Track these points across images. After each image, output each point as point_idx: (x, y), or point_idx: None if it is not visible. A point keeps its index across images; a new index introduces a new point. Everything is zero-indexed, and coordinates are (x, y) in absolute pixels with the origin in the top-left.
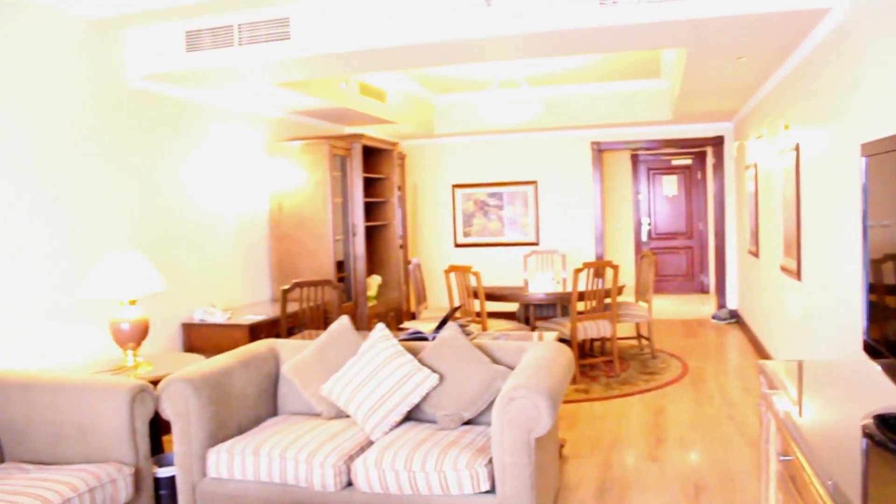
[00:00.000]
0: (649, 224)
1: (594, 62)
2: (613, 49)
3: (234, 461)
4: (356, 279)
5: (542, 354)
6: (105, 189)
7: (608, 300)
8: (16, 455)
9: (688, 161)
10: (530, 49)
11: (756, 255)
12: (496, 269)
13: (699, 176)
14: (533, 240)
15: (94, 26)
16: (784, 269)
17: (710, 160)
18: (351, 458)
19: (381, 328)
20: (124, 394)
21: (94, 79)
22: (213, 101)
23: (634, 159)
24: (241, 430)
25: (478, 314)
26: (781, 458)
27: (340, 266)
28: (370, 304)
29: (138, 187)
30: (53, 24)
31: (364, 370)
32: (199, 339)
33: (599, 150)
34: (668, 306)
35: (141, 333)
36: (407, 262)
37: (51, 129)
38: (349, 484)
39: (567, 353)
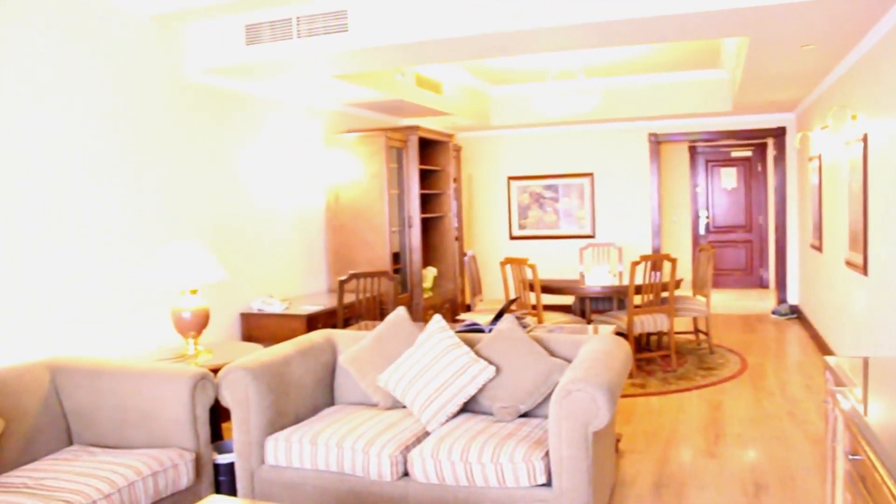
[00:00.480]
0: (707, 217)
1: (653, 52)
2: (673, 39)
3: (291, 449)
4: (412, 271)
5: (599, 348)
6: (167, 181)
7: (665, 294)
8: (83, 438)
9: (747, 153)
10: (588, 39)
11: (819, 249)
12: (551, 262)
13: (759, 168)
14: (589, 232)
15: (158, 22)
16: (849, 263)
17: (770, 152)
18: (407, 449)
19: (437, 319)
20: (186, 381)
21: (157, 73)
22: (270, 93)
23: (692, 151)
24: (299, 419)
25: (533, 307)
26: (850, 457)
27: (396, 258)
28: (425, 295)
29: (199, 179)
30: (120, 20)
31: (421, 361)
32: (256, 328)
33: (657, 141)
34: (727, 301)
35: (202, 322)
36: (462, 255)
37: (115, 124)
38: (405, 474)
39: (625, 347)
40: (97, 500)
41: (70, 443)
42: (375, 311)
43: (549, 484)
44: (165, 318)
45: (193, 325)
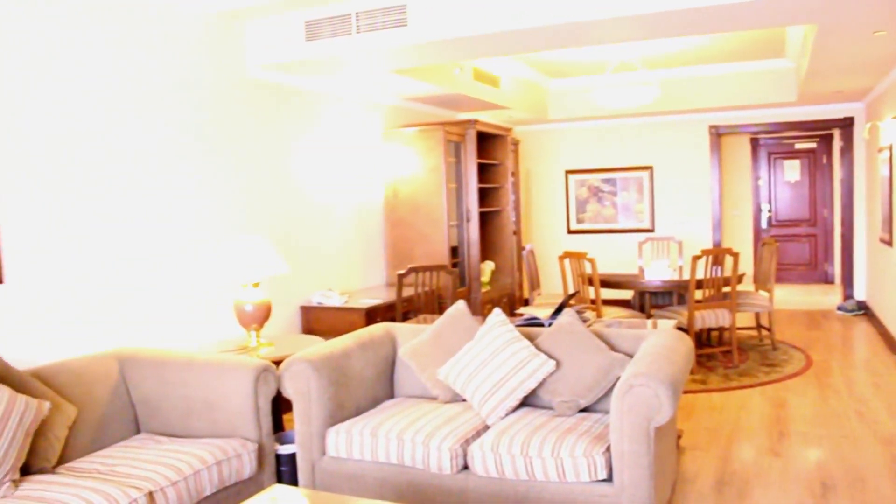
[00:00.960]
0: (769, 211)
1: (714, 42)
2: (736, 28)
3: (352, 441)
4: (470, 265)
5: (661, 342)
6: (230, 176)
7: (727, 289)
8: (150, 427)
9: (812, 144)
10: (648, 30)
11: (889, 243)
12: (610, 256)
13: (824, 160)
14: (648, 226)
15: (220, 18)
16: None
17: (837, 143)
18: (467, 442)
19: (497, 313)
20: (249, 372)
21: (219, 69)
22: (329, 88)
23: (754, 143)
24: (359, 412)
25: (592, 301)
26: None
27: (454, 252)
28: (483, 289)
29: (260, 174)
30: (183, 16)
31: (480, 355)
32: (316, 321)
33: (718, 133)
34: (790, 296)
35: (263, 315)
36: (520, 249)
37: (180, 119)
38: (465, 467)
39: (687, 342)
40: (165, 487)
41: (137, 431)
42: (434, 304)
43: (609, 479)
44: (228, 310)
45: (255, 317)
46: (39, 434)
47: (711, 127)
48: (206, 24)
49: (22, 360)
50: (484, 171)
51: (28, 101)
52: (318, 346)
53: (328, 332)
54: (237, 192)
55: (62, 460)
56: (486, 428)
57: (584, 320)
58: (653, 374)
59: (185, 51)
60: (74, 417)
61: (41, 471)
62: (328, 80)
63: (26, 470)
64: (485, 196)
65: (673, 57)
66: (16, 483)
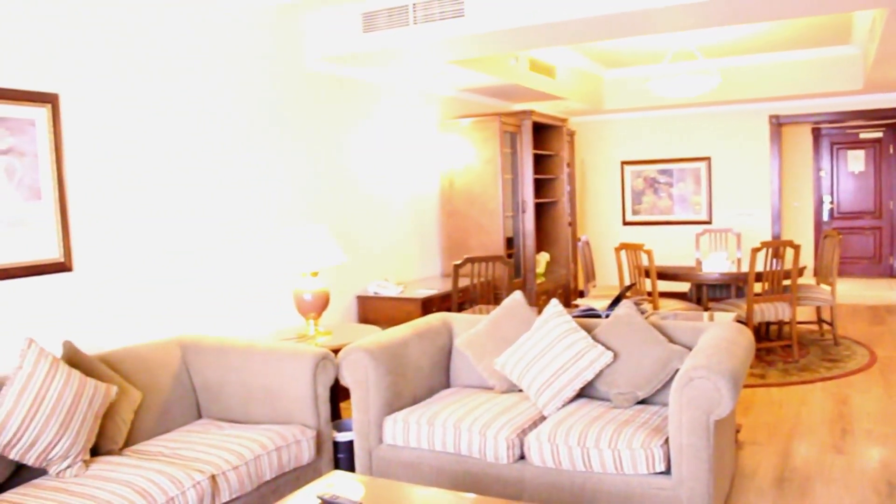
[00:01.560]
0: (831, 202)
1: (775, 29)
2: (804, 14)
3: (409, 430)
4: (525, 256)
5: (721, 335)
6: (288, 167)
7: (787, 282)
8: (211, 412)
9: (878, 134)
10: (709, 18)
11: None
12: (665, 248)
13: (891, 150)
14: (705, 218)
15: (280, 11)
16: None
17: None
18: (524, 432)
19: (555, 304)
20: (308, 360)
21: (277, 62)
22: (386, 80)
23: (816, 133)
24: (416, 401)
25: (649, 293)
26: None
27: (509, 242)
28: (538, 280)
29: (317, 165)
30: (244, 9)
31: (538, 345)
32: (372, 311)
33: (778, 123)
34: (852, 290)
35: (322, 304)
36: (575, 240)
37: (239, 111)
38: (521, 457)
39: (747, 335)
40: (227, 471)
41: (199, 416)
42: (489, 295)
43: (667, 472)
44: (287, 299)
45: (314, 306)
46: (107, 417)
47: (772, 117)
48: (266, 17)
49: (90, 346)
50: (539, 162)
51: (93, 93)
52: (376, 336)
53: (384, 322)
54: (297, 183)
55: (128, 443)
56: (543, 418)
57: (642, 312)
58: (713, 367)
59: (246, 43)
60: (139, 401)
61: (109, 452)
62: (385, 72)
63: (95, 451)
64: (540, 187)
65: (733, 45)
66: (86, 463)
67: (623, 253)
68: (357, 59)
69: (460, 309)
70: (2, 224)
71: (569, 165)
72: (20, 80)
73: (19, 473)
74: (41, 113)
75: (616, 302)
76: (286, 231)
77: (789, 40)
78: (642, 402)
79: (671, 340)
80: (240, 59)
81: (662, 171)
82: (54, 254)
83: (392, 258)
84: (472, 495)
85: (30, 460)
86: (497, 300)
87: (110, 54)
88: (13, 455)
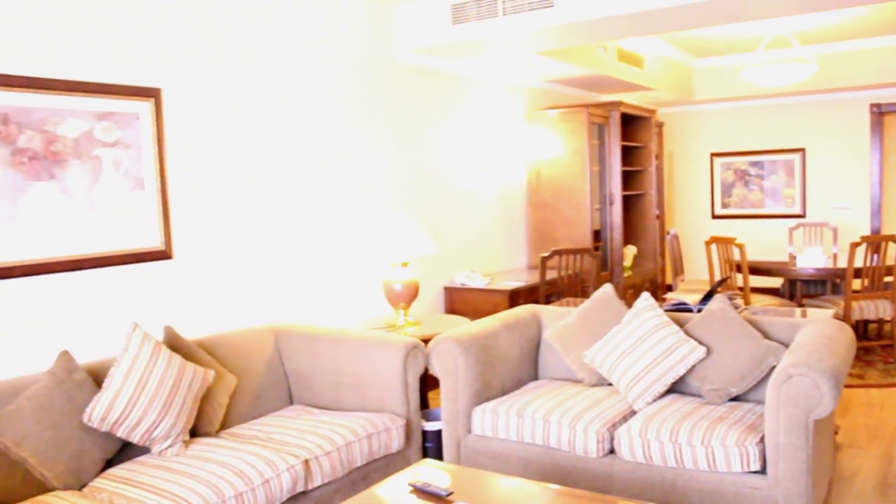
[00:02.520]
0: None
1: (877, 12)
2: None
3: (498, 420)
4: (612, 249)
5: (820, 332)
6: (378, 159)
7: (889, 278)
8: (302, 399)
9: None
10: (807, 2)
11: None
12: (756, 242)
13: None
14: (798, 212)
15: (370, 3)
16: None
17: None
18: (614, 426)
19: (646, 297)
20: (399, 350)
21: (368, 54)
22: (473, 71)
23: None
24: (504, 392)
25: (740, 288)
26: None
27: (596, 235)
28: (625, 274)
29: (405, 156)
30: (337, 2)
31: (628, 339)
32: (459, 302)
33: (880, 112)
34: None
35: (412, 294)
36: (664, 233)
37: (331, 103)
38: (611, 451)
39: (848, 332)
40: (319, 456)
41: (291, 402)
42: (577, 288)
43: (763, 471)
44: (376, 289)
45: (404, 296)
46: (205, 400)
47: (873, 105)
48: (358, 10)
49: (188, 331)
50: (627, 154)
51: (192, 87)
52: (466, 326)
53: (471, 313)
54: (387, 174)
55: (224, 426)
56: (633, 413)
57: (735, 307)
58: (813, 365)
59: (338, 36)
60: (235, 386)
61: (206, 434)
62: (472, 63)
63: (194, 432)
64: (628, 179)
65: (831, 30)
66: (186, 443)
67: (713, 247)
68: (446, 51)
69: (547, 301)
70: (109, 213)
71: (657, 157)
72: (126, 75)
73: (125, 451)
74: (145, 107)
75: (708, 296)
76: (377, 222)
77: (892, 24)
78: (735, 398)
79: (766, 336)
80: (332, 51)
81: (753, 163)
82: (156, 242)
83: (479, 250)
84: (561, 487)
85: (135, 438)
86: (584, 293)
87: (208, 50)
88: (120, 433)
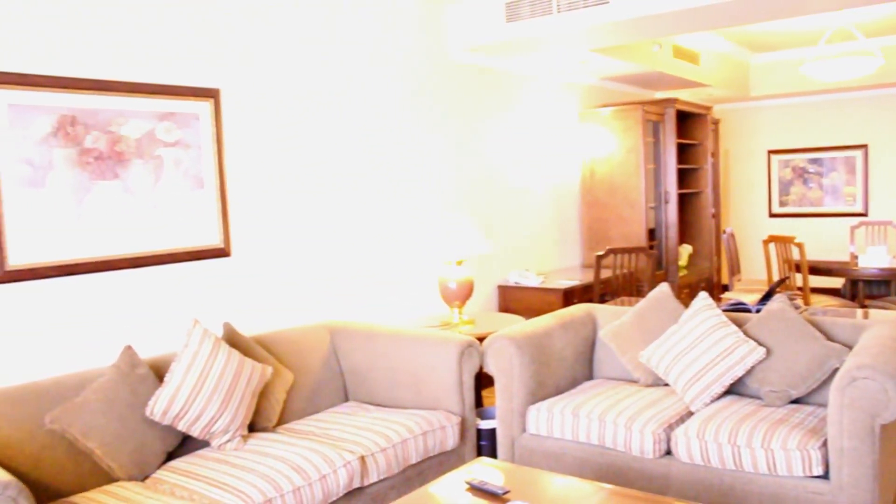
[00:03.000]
0: None
1: None
2: None
3: (553, 419)
4: (667, 248)
5: (887, 334)
6: (431, 157)
7: None
8: (358, 396)
9: None
10: None
11: None
12: (815, 242)
13: None
14: (860, 210)
15: (424, 3)
16: None
17: None
18: (670, 427)
19: (703, 297)
20: (454, 348)
21: (422, 52)
22: (526, 69)
23: None
24: (559, 391)
25: (799, 288)
26: None
27: (651, 234)
28: (680, 273)
29: (460, 155)
30: (392, 1)
31: (685, 339)
32: (513, 300)
33: None
34: None
35: (466, 292)
36: (720, 232)
37: (387, 100)
38: (668, 452)
39: None
40: (375, 453)
41: (346, 399)
42: (631, 287)
43: (825, 476)
44: (431, 287)
45: (458, 294)
46: (263, 396)
47: None
48: (412, 9)
49: (245, 327)
50: (683, 152)
51: (249, 88)
52: (521, 325)
53: (524, 312)
54: (441, 172)
55: (280, 421)
56: (690, 414)
57: (796, 307)
58: (879, 367)
59: (393, 35)
60: (291, 382)
61: (264, 429)
62: (526, 61)
63: (251, 427)
64: (683, 177)
65: None
66: (245, 438)
67: (771, 246)
68: (500, 49)
69: (601, 300)
70: (170, 211)
71: (713, 155)
72: (186, 76)
73: (185, 444)
74: (205, 107)
75: (767, 296)
76: (432, 220)
77: None
78: (795, 401)
79: (828, 338)
80: (386, 50)
81: (812, 161)
82: (215, 240)
83: (532, 248)
84: (617, 488)
85: (195, 432)
86: (639, 292)
87: (265, 51)
88: (181, 426)
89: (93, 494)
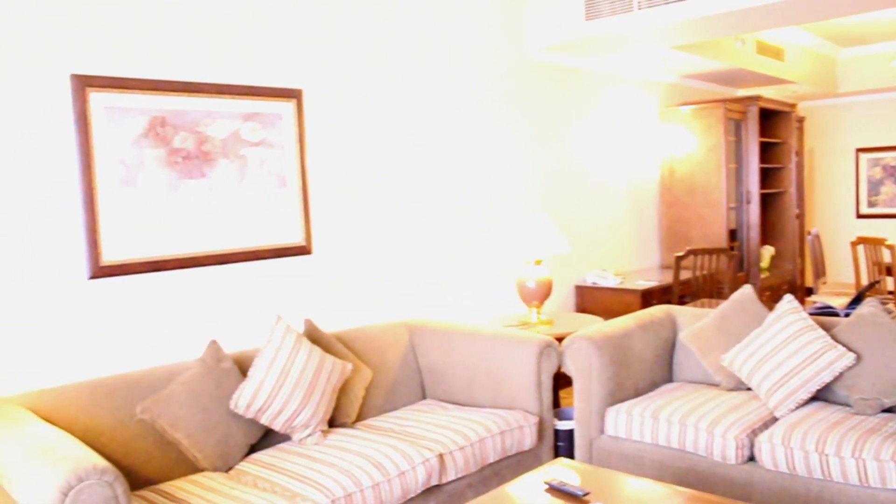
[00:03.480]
0: None
1: None
2: None
3: (632, 422)
4: (749, 249)
5: None
6: (510, 157)
7: None
8: (434, 394)
9: None
10: None
11: None
12: None
13: None
14: None
15: (502, 2)
16: None
17: None
18: (754, 433)
19: (789, 299)
20: (533, 348)
21: (500, 52)
22: (605, 68)
23: None
24: (638, 393)
25: (889, 292)
26: None
27: (732, 235)
28: (762, 275)
29: (538, 155)
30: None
31: (770, 343)
32: (590, 301)
33: None
34: None
35: (545, 292)
36: (804, 233)
37: (465, 101)
38: (751, 458)
39: None
40: (453, 451)
41: (423, 396)
42: (711, 289)
43: None
44: (509, 287)
45: (537, 294)
46: (342, 392)
47: None
48: (490, 8)
49: (326, 324)
50: (765, 150)
51: (330, 88)
52: (600, 326)
53: (602, 312)
54: (520, 172)
55: (359, 417)
56: (774, 420)
57: (888, 312)
58: None
59: (471, 34)
60: (371, 379)
61: (343, 425)
62: (604, 60)
63: (331, 423)
64: (766, 177)
65: None
66: (324, 433)
67: (860, 248)
68: (579, 48)
69: (681, 302)
70: (254, 209)
71: (797, 154)
72: (270, 77)
73: (267, 437)
74: (287, 107)
75: (856, 300)
76: (510, 219)
77: None
78: (888, 410)
79: None
80: (465, 49)
81: None
82: (297, 238)
83: (610, 248)
84: (699, 493)
85: (277, 426)
86: (720, 294)
87: (346, 52)
88: (263, 420)
89: (180, 483)
